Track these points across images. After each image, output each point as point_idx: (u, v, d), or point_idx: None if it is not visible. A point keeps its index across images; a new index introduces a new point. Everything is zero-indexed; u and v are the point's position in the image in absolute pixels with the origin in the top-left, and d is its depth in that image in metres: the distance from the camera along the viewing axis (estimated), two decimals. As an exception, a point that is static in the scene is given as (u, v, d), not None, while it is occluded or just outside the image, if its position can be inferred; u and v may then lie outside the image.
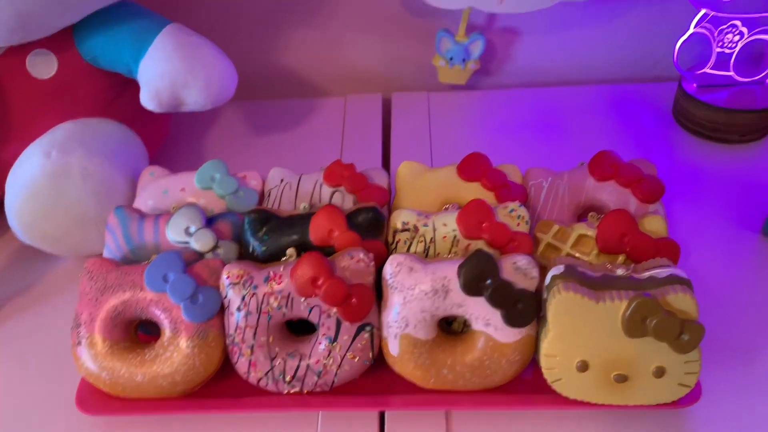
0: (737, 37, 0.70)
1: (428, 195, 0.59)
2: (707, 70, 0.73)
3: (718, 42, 0.71)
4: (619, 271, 0.47)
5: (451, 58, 0.81)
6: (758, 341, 0.54)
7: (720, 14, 0.69)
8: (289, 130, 0.80)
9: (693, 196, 0.68)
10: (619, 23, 0.82)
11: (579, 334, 0.45)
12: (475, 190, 0.58)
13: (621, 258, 0.51)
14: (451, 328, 0.52)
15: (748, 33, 0.70)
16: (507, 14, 0.77)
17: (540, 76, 0.87)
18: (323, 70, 0.87)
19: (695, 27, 0.70)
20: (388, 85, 0.87)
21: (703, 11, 0.69)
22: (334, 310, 0.48)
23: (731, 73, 0.72)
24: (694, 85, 0.74)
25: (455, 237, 0.52)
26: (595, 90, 0.83)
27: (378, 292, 0.50)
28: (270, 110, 0.84)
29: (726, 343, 0.54)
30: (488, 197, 0.57)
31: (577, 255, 0.52)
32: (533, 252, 0.53)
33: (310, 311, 0.48)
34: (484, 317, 0.48)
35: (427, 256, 0.52)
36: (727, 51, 0.71)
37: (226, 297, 0.49)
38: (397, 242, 0.53)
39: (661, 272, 0.46)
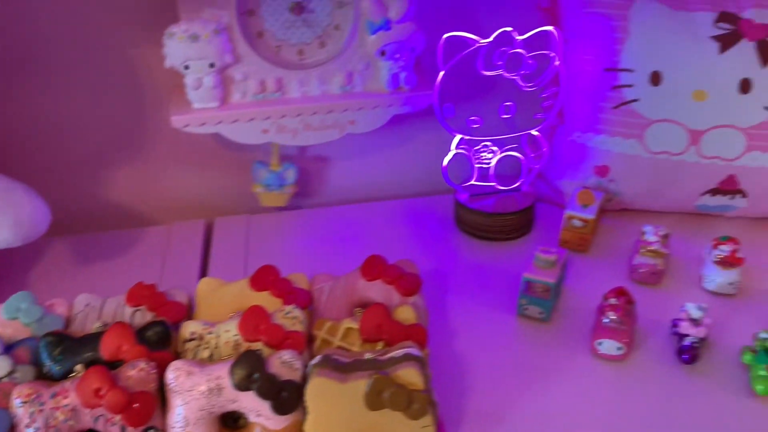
0: (491, 155, 0.86)
1: (224, 307, 0.66)
2: (473, 182, 0.87)
3: (476, 160, 0.86)
4: (367, 355, 0.56)
5: (268, 185, 0.92)
6: (516, 406, 0.64)
7: (473, 138, 0.84)
8: (113, 260, 0.86)
9: (469, 287, 0.79)
10: (406, 148, 0.97)
11: (333, 414, 0.53)
12: (265, 299, 0.66)
13: (380, 344, 0.60)
14: (237, 424, 0.58)
15: (500, 150, 0.85)
16: (316, 144, 0.90)
17: (349, 195, 0.99)
18: (149, 201, 0.95)
19: (456, 149, 0.85)
20: (212, 211, 0.96)
21: (459, 136, 0.84)
22: (118, 417, 0.53)
23: (493, 184, 0.87)
24: (466, 195, 0.88)
25: (237, 341, 0.59)
26: (392, 204, 0.95)
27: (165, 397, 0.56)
28: (97, 242, 0.90)
29: (481, 406, 0.63)
30: (277, 303, 0.65)
31: (345, 346, 0.60)
32: (312, 347, 0.61)
33: (96, 420, 0.53)
34: (256, 409, 0.54)
35: (212, 360, 0.59)
36: (485, 166, 0.86)
37: (16, 416, 0.52)
38: (185, 351, 0.59)
39: (399, 353, 0.55)
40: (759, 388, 0.62)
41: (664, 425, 0.62)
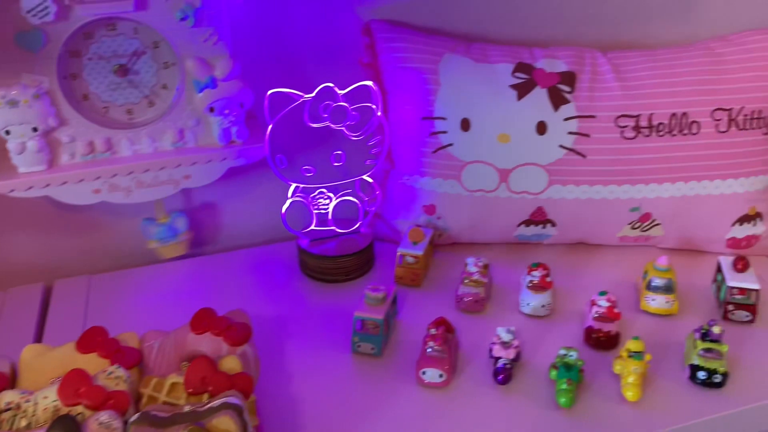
0: (327, 200, 0.90)
1: (49, 373, 0.65)
2: (313, 227, 0.91)
3: (314, 206, 0.90)
4: (187, 408, 0.57)
5: (162, 238, 0.92)
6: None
7: (308, 185, 0.88)
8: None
9: (309, 329, 0.82)
10: (251, 196, 0.99)
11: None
12: (91, 361, 0.66)
13: (205, 396, 0.62)
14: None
15: (336, 196, 0.90)
16: (198, 189, 0.92)
17: (196, 248, 1.00)
18: (-19, 268, 0.91)
19: (292, 196, 0.89)
20: (52, 274, 0.94)
21: (294, 185, 0.88)
22: None
23: (332, 228, 0.92)
24: (307, 240, 0.92)
25: (56, 406, 0.59)
26: (239, 254, 0.98)
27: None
28: None
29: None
30: (105, 364, 0.65)
31: (171, 401, 0.61)
32: (139, 405, 0.62)
33: None
34: (73, 474, 0.54)
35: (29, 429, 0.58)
36: (323, 211, 0.91)
37: None
38: (1, 422, 0.58)
39: (217, 402, 0.57)
40: (562, 401, 0.69)
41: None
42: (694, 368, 0.72)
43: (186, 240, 0.95)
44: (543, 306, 0.83)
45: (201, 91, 0.83)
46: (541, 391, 0.72)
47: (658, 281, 0.83)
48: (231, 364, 0.64)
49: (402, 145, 0.93)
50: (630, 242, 0.94)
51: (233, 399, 0.57)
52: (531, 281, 0.84)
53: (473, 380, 0.74)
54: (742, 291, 0.81)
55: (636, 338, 0.72)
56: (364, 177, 0.91)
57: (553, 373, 0.72)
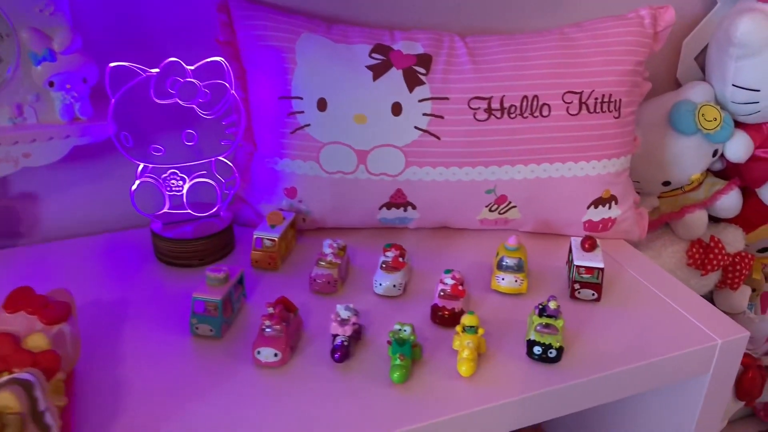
0: (180, 182, 0.88)
1: None
2: (166, 210, 0.88)
3: (167, 188, 0.87)
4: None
5: None
6: (173, 419, 0.64)
7: (157, 165, 0.85)
8: None
9: (151, 314, 0.79)
10: (106, 179, 0.95)
11: None
12: None
13: (5, 374, 0.58)
14: None
15: (189, 178, 0.88)
16: (46, 170, 0.87)
17: (48, 233, 0.95)
18: None
19: (140, 177, 0.86)
20: None
21: (142, 164, 0.85)
22: None
23: (188, 211, 0.89)
24: (159, 224, 0.89)
25: None
26: (95, 239, 0.94)
27: None
28: None
29: (135, 421, 0.63)
30: None
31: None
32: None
33: None
34: None
35: None
36: (178, 194, 0.88)
37: None
38: None
39: (5, 379, 0.53)
40: (394, 376, 0.68)
41: (319, 423, 0.66)
42: (531, 343, 0.72)
43: None
44: (395, 286, 0.82)
45: (38, 64, 0.79)
46: (380, 368, 0.71)
47: (508, 261, 0.84)
48: (37, 341, 0.60)
49: (262, 126, 0.91)
50: (490, 225, 0.95)
51: (25, 375, 0.54)
52: (384, 261, 0.83)
53: (313, 359, 0.73)
54: (589, 270, 0.82)
55: (471, 313, 0.72)
56: (221, 158, 0.89)
57: (390, 349, 0.71)
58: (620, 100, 0.89)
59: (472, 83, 0.86)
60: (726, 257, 1.22)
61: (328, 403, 0.68)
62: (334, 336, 0.72)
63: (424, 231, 0.97)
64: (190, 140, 0.86)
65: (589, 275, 0.82)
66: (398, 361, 0.69)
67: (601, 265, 0.81)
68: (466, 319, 0.71)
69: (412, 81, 0.86)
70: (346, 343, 0.71)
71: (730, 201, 1.21)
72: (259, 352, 0.70)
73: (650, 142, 1.14)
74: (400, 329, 0.71)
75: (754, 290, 1.33)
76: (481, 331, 0.71)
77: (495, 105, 0.86)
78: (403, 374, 0.68)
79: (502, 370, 0.72)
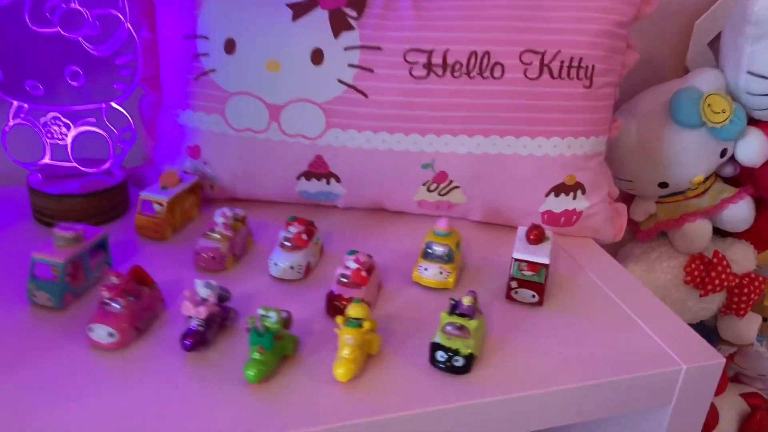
0: (65, 128, 0.75)
1: None
2: (47, 161, 0.76)
3: (48, 135, 0.75)
4: None
5: None
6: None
7: (34, 107, 0.73)
8: None
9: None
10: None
11: None
12: None
13: None
14: None
15: (75, 124, 0.75)
16: None
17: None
18: None
19: (13, 119, 0.73)
20: None
21: (16, 103, 0.73)
22: None
23: (74, 164, 0.76)
24: (39, 177, 0.76)
25: None
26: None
27: None
28: None
29: None
30: None
31: None
32: None
33: None
34: None
35: None
36: (60, 143, 0.75)
37: None
38: None
39: None
40: (248, 373, 0.54)
41: (147, 421, 0.51)
42: (434, 347, 0.57)
43: None
44: (292, 267, 0.68)
45: None
46: (239, 362, 0.57)
47: (435, 248, 0.68)
48: None
49: (168, 71, 0.77)
50: (430, 209, 0.80)
51: None
52: (285, 238, 0.69)
53: (164, 346, 0.58)
54: (532, 266, 0.66)
55: (357, 301, 0.57)
56: (114, 104, 0.76)
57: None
58: (593, 66, 0.73)
59: (412, 32, 0.71)
60: (731, 277, 1.04)
61: (165, 398, 0.53)
62: (188, 319, 0.58)
63: (356, 212, 0.82)
64: (74, 79, 0.72)
65: (531, 272, 0.66)
66: (256, 355, 0.54)
67: (545, 261, 0.66)
68: (350, 309, 0.56)
69: (340, 24, 0.72)
70: (201, 329, 0.57)
71: (740, 211, 1.03)
72: (91, 330, 0.57)
73: (647, 135, 0.97)
74: (263, 315, 0.56)
75: (765, 320, 1.14)
76: (367, 325, 0.55)
77: (436, 60, 0.71)
78: (260, 372, 0.54)
79: (394, 377, 0.56)
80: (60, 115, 0.74)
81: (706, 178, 1.02)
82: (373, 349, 0.57)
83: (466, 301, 0.58)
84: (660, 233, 1.07)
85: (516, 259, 0.66)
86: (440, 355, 0.56)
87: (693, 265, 1.04)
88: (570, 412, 0.59)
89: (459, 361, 0.56)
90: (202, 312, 0.57)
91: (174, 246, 0.74)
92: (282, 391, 0.54)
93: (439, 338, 0.57)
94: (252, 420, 0.52)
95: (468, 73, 0.71)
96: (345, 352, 0.55)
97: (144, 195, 0.73)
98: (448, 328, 0.57)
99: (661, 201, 1.06)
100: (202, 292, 0.58)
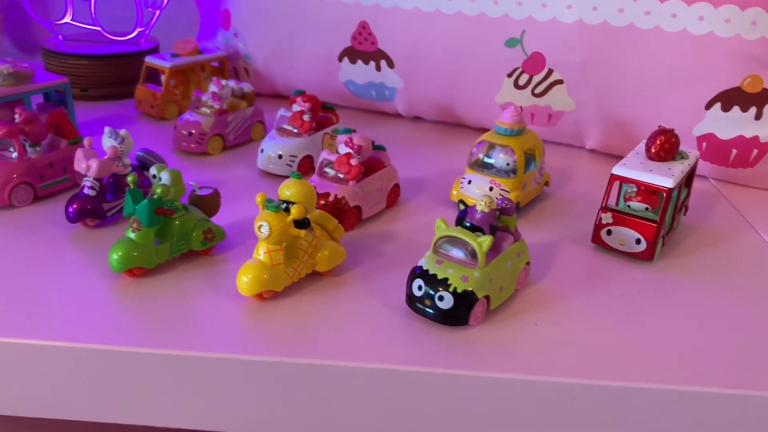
0: (88, -18, 0.63)
1: None
2: (68, 20, 0.64)
3: (71, -13, 0.63)
4: None
5: None
6: None
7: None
8: None
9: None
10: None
11: None
12: None
13: None
14: None
15: (101, -21, 0.62)
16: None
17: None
18: None
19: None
20: None
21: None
22: None
23: (97, 27, 0.64)
24: (60, 38, 0.65)
25: None
26: None
27: None
28: None
29: None
30: None
31: None
32: None
33: None
34: None
35: None
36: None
37: None
38: None
39: None
40: (111, 258, 0.34)
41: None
42: (415, 276, 0.33)
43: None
44: (280, 157, 0.47)
45: None
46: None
47: (491, 152, 0.43)
48: None
49: None
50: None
51: None
52: (282, 118, 0.49)
53: (54, 212, 0.42)
54: (647, 195, 0.38)
55: (296, 175, 0.35)
56: (143, -44, 0.62)
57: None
58: None
59: None
60: None
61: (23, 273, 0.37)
62: (83, 179, 0.40)
63: (422, 126, 0.59)
64: None
65: (642, 203, 0.39)
66: (130, 232, 0.35)
67: (667, 184, 0.38)
68: (284, 186, 0.34)
69: None
70: (92, 193, 0.39)
71: None
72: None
73: None
74: (155, 174, 0.37)
75: None
76: (296, 212, 0.33)
77: None
78: (126, 256, 0.34)
79: (338, 316, 0.33)
80: (84, -36, 0.63)
81: None
82: (322, 262, 0.35)
83: (480, 205, 0.33)
84: None
85: (616, 177, 0.39)
86: (418, 288, 0.32)
87: None
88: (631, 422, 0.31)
89: (445, 300, 0.31)
90: (93, 168, 0.39)
91: (168, 125, 0.58)
92: (155, 302, 0.34)
93: (425, 261, 0.33)
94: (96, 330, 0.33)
95: None
96: (260, 250, 0.33)
97: (148, 60, 0.59)
98: (444, 246, 0.33)
99: None
100: (106, 143, 0.40)
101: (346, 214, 0.40)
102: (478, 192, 0.43)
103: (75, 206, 0.39)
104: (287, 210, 0.33)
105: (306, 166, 0.49)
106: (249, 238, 0.40)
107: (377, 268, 0.38)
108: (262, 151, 0.48)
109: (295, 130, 0.48)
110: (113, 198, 0.40)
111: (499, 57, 0.50)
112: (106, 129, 0.40)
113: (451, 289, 0.31)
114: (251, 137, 0.55)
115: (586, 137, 0.53)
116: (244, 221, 0.42)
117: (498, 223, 0.34)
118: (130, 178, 0.35)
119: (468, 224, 0.33)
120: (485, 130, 0.57)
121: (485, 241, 0.32)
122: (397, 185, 0.45)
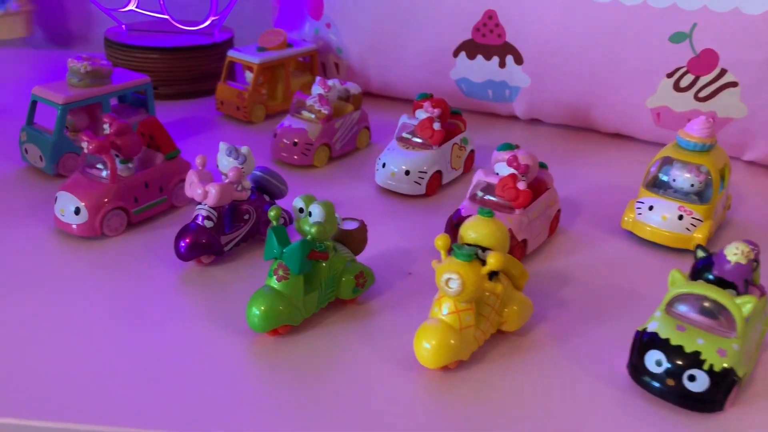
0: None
1: None
2: (133, 7, 0.57)
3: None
4: None
5: None
6: None
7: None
8: None
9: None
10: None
11: None
12: None
13: None
14: None
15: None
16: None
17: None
18: None
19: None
20: None
21: None
22: None
23: (165, 15, 0.56)
24: (124, 27, 0.58)
25: None
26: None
27: None
28: None
29: None
30: None
31: None
32: None
33: None
34: None
35: None
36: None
37: None
38: None
39: None
40: (251, 313, 0.27)
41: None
42: (647, 343, 0.25)
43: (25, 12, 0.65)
44: (408, 174, 0.40)
45: None
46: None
47: (676, 172, 0.36)
48: None
49: None
50: (676, 128, 0.47)
51: None
52: (404, 126, 0.42)
53: (157, 245, 0.35)
54: None
55: (488, 213, 0.28)
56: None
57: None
58: None
59: None
60: None
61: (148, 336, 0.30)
62: (197, 207, 0.34)
63: (543, 129, 0.52)
64: None
65: None
66: (273, 282, 0.28)
67: None
68: (468, 227, 0.28)
69: None
70: (208, 225, 0.32)
71: None
72: (55, 199, 0.35)
73: None
74: (302, 208, 0.30)
75: None
76: (495, 261, 0.26)
77: None
78: (271, 311, 0.27)
79: (538, 387, 0.27)
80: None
81: None
82: (510, 319, 0.28)
83: (734, 254, 0.26)
84: None
85: None
86: (656, 362, 0.25)
87: None
88: None
89: (699, 381, 0.24)
90: (212, 195, 0.32)
91: (258, 130, 0.51)
92: (307, 365, 0.27)
93: (658, 326, 0.26)
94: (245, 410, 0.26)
95: None
96: (443, 308, 0.27)
97: (231, 54, 0.51)
98: (682, 308, 0.26)
99: None
100: (223, 162, 0.33)
101: (512, 251, 0.33)
102: (665, 221, 0.36)
103: (188, 240, 0.32)
104: (478, 258, 0.27)
105: (434, 184, 0.41)
106: (390, 278, 0.33)
107: (567, 323, 0.30)
108: (383, 165, 0.41)
109: (421, 141, 0.41)
110: (230, 229, 0.33)
111: (660, 54, 0.43)
112: (223, 146, 0.33)
113: (706, 367, 0.24)
114: (356, 146, 0.48)
115: (749, 148, 0.46)
116: (379, 255, 0.35)
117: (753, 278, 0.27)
118: (272, 213, 0.28)
119: (711, 277, 0.26)
120: (624, 137, 0.49)
121: (747, 303, 0.25)
122: (559, 211, 0.38)
